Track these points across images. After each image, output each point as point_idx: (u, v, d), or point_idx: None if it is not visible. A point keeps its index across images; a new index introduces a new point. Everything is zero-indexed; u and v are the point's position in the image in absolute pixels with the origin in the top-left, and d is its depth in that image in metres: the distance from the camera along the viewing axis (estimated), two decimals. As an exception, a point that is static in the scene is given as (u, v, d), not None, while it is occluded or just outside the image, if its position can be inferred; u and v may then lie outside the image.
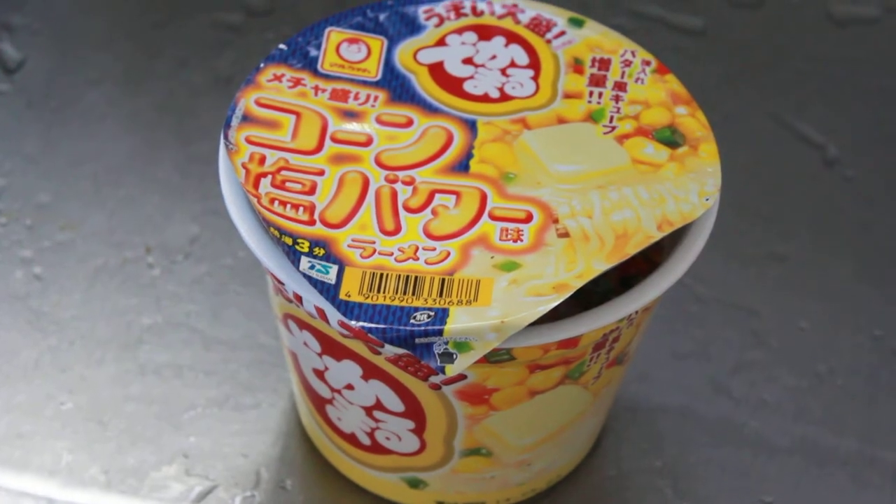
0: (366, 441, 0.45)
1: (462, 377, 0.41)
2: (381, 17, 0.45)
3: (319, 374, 0.44)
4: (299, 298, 0.40)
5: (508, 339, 0.39)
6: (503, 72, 0.44)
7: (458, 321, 0.38)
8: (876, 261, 0.55)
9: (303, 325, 0.43)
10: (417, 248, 0.40)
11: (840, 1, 0.63)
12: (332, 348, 0.42)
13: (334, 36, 0.45)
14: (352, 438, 0.46)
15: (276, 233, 0.40)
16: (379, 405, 0.43)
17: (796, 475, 0.50)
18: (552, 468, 0.48)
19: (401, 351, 0.39)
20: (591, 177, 0.42)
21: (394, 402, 0.43)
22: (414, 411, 0.43)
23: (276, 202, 0.41)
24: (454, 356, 0.38)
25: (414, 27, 0.45)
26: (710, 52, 0.62)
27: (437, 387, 0.42)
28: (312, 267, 0.39)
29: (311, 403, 0.47)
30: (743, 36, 0.62)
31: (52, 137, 0.57)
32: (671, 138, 0.43)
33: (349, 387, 0.43)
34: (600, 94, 0.44)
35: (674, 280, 0.41)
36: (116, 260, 0.54)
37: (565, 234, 0.40)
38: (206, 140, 0.57)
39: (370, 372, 0.42)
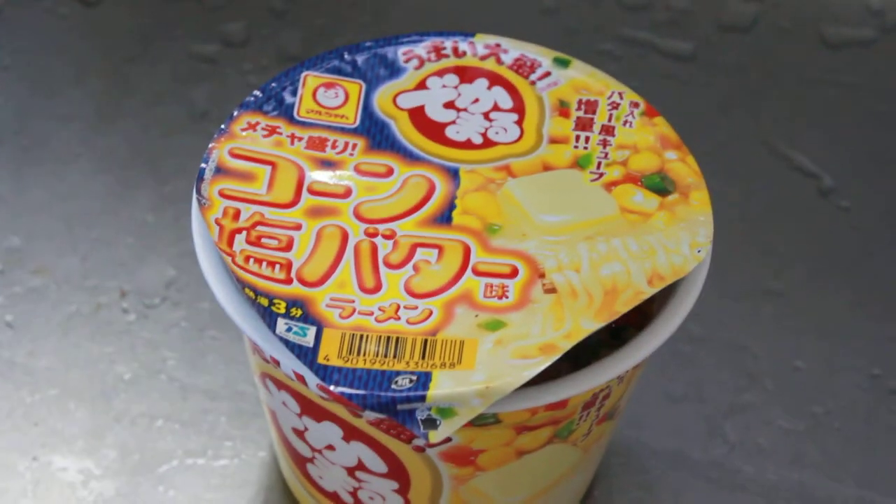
0: (349, 500, 0.44)
1: (447, 440, 0.40)
2: (359, 59, 0.44)
3: (299, 434, 0.43)
4: (277, 362, 0.38)
5: (494, 405, 0.37)
6: (486, 116, 0.43)
7: (442, 386, 0.37)
8: (874, 295, 0.54)
9: (281, 385, 0.41)
10: (399, 307, 0.38)
11: (833, 23, 0.62)
12: (311, 409, 0.41)
13: (310, 80, 0.43)
14: (335, 497, 0.44)
15: (252, 293, 0.38)
16: (361, 466, 0.42)
17: (794, 522, 0.48)
18: None
19: (382, 416, 0.38)
20: (578, 227, 0.40)
21: (376, 463, 0.41)
22: (397, 472, 0.42)
23: (252, 260, 0.39)
24: (438, 422, 0.37)
25: (393, 70, 0.43)
26: (700, 78, 0.60)
27: (420, 449, 0.40)
28: (289, 329, 0.38)
29: (291, 461, 0.45)
30: (734, 61, 0.61)
31: (23, 178, 0.56)
32: (661, 185, 0.41)
33: (330, 447, 0.42)
34: (587, 139, 0.42)
35: (665, 337, 0.39)
36: (90, 306, 0.52)
37: (552, 290, 0.39)
38: (182, 178, 0.55)
39: (351, 433, 0.41)
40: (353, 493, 0.43)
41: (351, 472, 0.42)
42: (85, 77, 0.59)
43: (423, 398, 0.37)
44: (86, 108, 0.58)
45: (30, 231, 0.54)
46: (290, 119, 0.42)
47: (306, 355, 0.37)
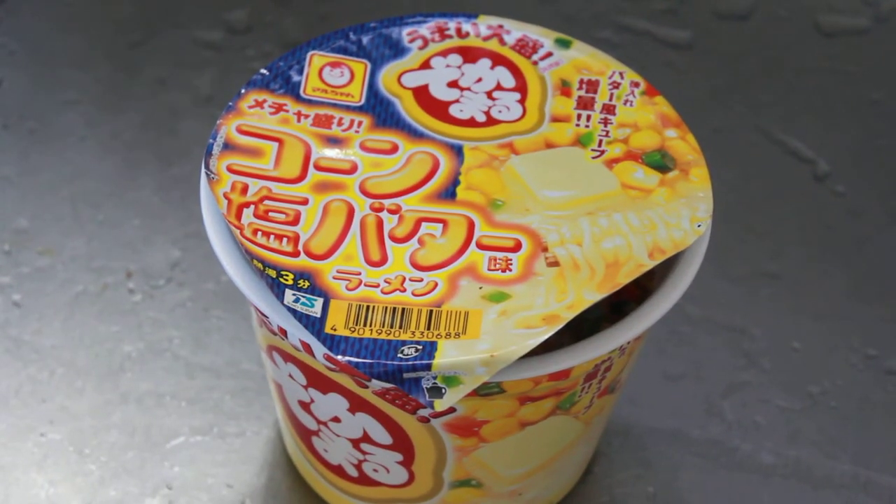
0: (353, 473, 0.45)
1: (451, 410, 0.40)
2: (364, 39, 0.44)
3: (305, 406, 0.43)
4: (284, 332, 0.39)
5: (498, 373, 0.38)
6: (489, 95, 0.43)
7: (447, 355, 0.37)
8: (869, 277, 0.54)
9: (288, 357, 0.42)
10: (404, 279, 0.39)
11: (828, 11, 0.63)
12: (317, 381, 0.41)
13: (317, 60, 0.44)
14: (339, 470, 0.45)
15: (260, 265, 0.39)
16: (366, 437, 0.42)
17: (790, 499, 0.49)
18: (544, 497, 0.47)
19: (388, 385, 0.38)
20: (580, 203, 0.41)
21: (381, 434, 0.42)
22: (402, 444, 0.42)
23: (259, 233, 0.40)
24: (443, 391, 0.38)
25: (398, 50, 0.44)
26: (698, 66, 0.61)
27: (425, 420, 0.41)
28: (297, 300, 0.38)
29: (296, 434, 0.46)
30: (730, 49, 0.62)
31: (30, 160, 0.56)
32: (661, 162, 0.42)
33: (335, 419, 0.42)
34: (588, 118, 0.43)
35: (666, 309, 0.40)
36: (97, 286, 0.53)
37: (555, 263, 0.39)
38: (187, 161, 0.56)
39: (357, 405, 0.41)
40: (358, 466, 0.44)
41: (356, 444, 0.43)
42: (91, 62, 0.60)
43: (428, 367, 0.37)
44: (92, 92, 0.59)
45: (37, 212, 0.55)
46: (297, 97, 0.43)
47: (314, 325, 0.38)
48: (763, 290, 0.54)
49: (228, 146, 0.41)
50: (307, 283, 0.39)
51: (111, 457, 0.49)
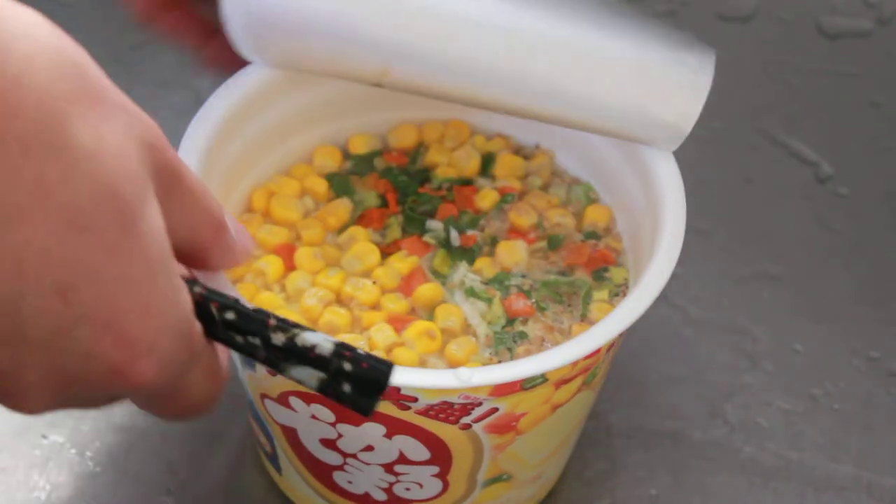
0: (381, 497, 0.44)
1: (493, 411, 0.40)
2: None
3: (329, 444, 0.42)
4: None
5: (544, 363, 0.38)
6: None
7: None
8: (871, 280, 0.54)
9: (311, 398, 0.41)
10: None
11: (831, 14, 0.63)
12: (349, 415, 0.41)
13: None
14: (364, 498, 0.44)
15: None
16: (401, 459, 0.42)
17: (792, 501, 0.49)
18: (554, 475, 0.47)
19: (434, 402, 0.39)
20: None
21: (419, 452, 0.42)
22: (440, 456, 0.42)
23: None
24: None
25: None
26: (700, 68, 0.61)
27: (467, 426, 0.41)
28: None
29: (310, 474, 0.45)
30: (732, 50, 0.62)
31: (32, 162, 0.56)
32: None
33: (368, 448, 0.42)
34: None
35: (676, 256, 0.41)
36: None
37: None
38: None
39: (395, 429, 0.41)
40: (388, 489, 0.44)
41: (389, 467, 0.43)
42: (92, 64, 0.60)
43: None
44: (93, 93, 0.58)
45: (38, 215, 0.55)
46: None
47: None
48: (765, 292, 0.54)
49: None
50: None
51: (112, 459, 0.49)
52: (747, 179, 0.57)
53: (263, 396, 0.43)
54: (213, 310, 0.34)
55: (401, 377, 0.37)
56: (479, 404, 0.39)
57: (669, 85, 0.42)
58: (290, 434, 0.43)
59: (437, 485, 0.43)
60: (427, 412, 0.40)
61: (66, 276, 0.29)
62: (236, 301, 0.34)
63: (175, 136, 0.57)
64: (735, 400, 0.51)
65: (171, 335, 0.32)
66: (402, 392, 0.38)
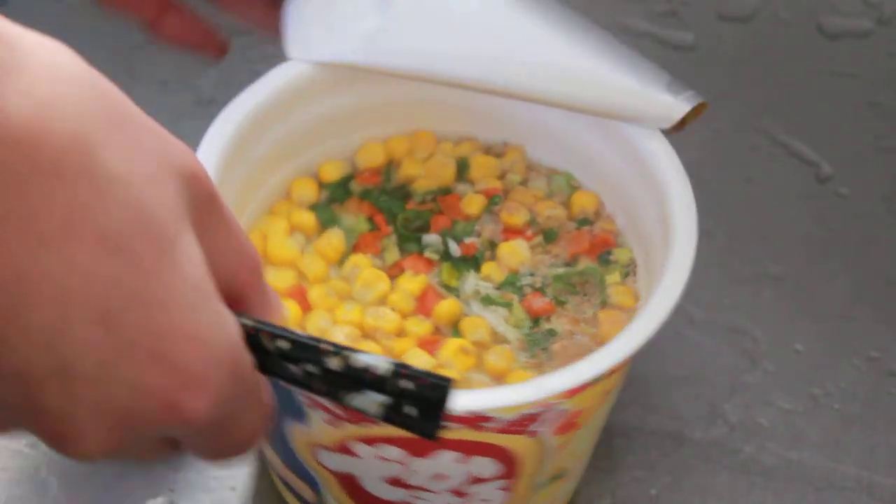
0: None
1: (562, 413, 0.40)
2: None
3: (395, 482, 0.42)
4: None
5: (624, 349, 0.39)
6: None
7: None
8: (872, 280, 0.54)
9: (375, 440, 0.40)
10: None
11: (831, 14, 0.63)
12: (422, 448, 0.40)
13: None
14: None
15: None
16: (473, 479, 0.42)
17: (793, 502, 0.49)
18: (586, 463, 0.47)
19: (511, 416, 0.39)
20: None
21: (491, 468, 0.41)
22: (509, 469, 0.42)
23: None
24: None
25: None
26: (700, 67, 0.61)
27: (534, 433, 0.41)
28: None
29: None
30: (733, 50, 0.62)
31: (32, 162, 0.56)
32: None
33: (438, 477, 0.42)
34: None
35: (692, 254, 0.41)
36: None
37: None
38: (189, 163, 0.56)
39: (470, 451, 0.41)
40: None
41: (457, 491, 0.42)
42: (92, 64, 0.59)
43: None
44: (94, 93, 0.58)
45: (38, 215, 0.55)
46: None
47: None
48: (766, 292, 0.54)
49: None
50: None
51: (107, 462, 0.49)
52: (747, 179, 0.57)
53: (315, 447, 0.42)
54: (265, 340, 0.32)
55: (482, 399, 0.37)
56: (550, 409, 0.39)
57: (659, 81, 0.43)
58: (347, 480, 0.43)
59: (502, 496, 0.43)
60: (504, 429, 0.39)
61: (108, 301, 0.28)
62: (288, 329, 0.33)
63: (176, 135, 0.57)
64: (735, 400, 0.51)
65: (221, 365, 0.30)
66: (480, 413, 0.38)
